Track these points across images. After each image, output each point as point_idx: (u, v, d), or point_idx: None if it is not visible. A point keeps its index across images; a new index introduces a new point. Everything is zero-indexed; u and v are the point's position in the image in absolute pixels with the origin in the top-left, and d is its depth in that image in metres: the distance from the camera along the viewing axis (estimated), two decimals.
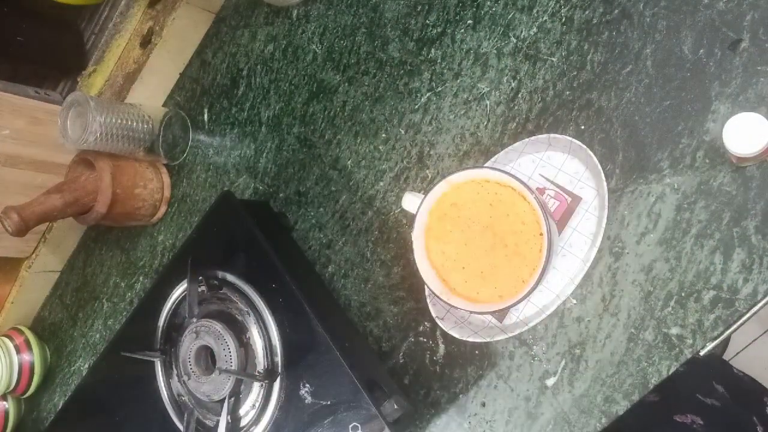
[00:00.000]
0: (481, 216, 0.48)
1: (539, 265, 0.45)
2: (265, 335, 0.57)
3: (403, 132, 0.61)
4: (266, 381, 0.55)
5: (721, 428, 0.69)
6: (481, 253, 0.48)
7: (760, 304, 0.44)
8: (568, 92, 0.53)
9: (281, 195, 0.69)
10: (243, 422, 0.57)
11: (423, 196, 0.50)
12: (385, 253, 0.60)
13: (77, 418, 0.72)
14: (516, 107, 0.55)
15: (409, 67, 0.62)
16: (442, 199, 0.49)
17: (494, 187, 0.48)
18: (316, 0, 0.69)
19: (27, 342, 0.86)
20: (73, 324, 0.87)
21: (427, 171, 0.59)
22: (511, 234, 0.47)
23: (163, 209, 0.78)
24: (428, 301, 0.54)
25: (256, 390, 0.56)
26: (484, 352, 0.54)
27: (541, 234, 0.46)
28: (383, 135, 0.63)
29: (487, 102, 0.57)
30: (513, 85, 0.56)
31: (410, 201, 0.51)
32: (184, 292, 0.62)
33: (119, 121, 0.71)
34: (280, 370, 0.56)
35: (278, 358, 0.56)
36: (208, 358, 0.60)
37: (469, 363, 0.54)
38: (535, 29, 0.55)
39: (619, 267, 0.49)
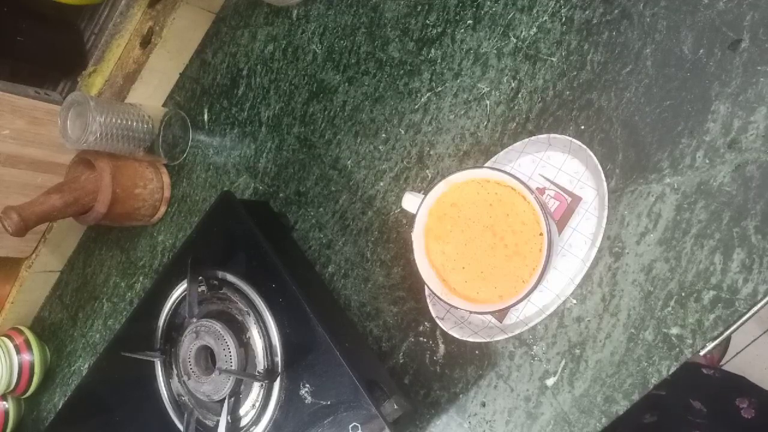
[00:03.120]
0: (481, 216, 0.48)
1: (539, 265, 0.45)
2: (265, 335, 0.57)
3: (403, 132, 0.61)
4: (266, 381, 0.55)
5: None
6: (481, 253, 0.48)
7: (760, 304, 0.44)
8: (568, 92, 0.53)
9: (281, 195, 0.69)
10: (243, 422, 0.57)
11: (423, 195, 0.50)
12: (385, 253, 0.60)
13: (77, 418, 0.72)
14: (516, 107, 0.55)
15: (409, 67, 0.62)
16: (442, 198, 0.49)
17: (494, 187, 0.48)
18: (316, 0, 0.69)
19: (27, 342, 0.86)
20: (73, 324, 0.87)
21: (427, 171, 0.59)
22: (511, 234, 0.47)
23: (163, 209, 0.78)
24: (428, 301, 0.54)
25: (256, 390, 0.56)
26: (484, 352, 0.54)
27: (541, 234, 0.46)
28: (383, 135, 0.63)
29: (487, 102, 0.57)
30: (513, 85, 0.56)
31: (410, 201, 0.51)
32: (184, 292, 0.62)
33: (119, 121, 0.71)
34: (280, 370, 0.56)
35: (278, 358, 0.56)
36: (208, 358, 0.60)
37: (469, 363, 0.54)
38: (535, 29, 0.55)
39: (619, 267, 0.49)
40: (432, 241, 0.49)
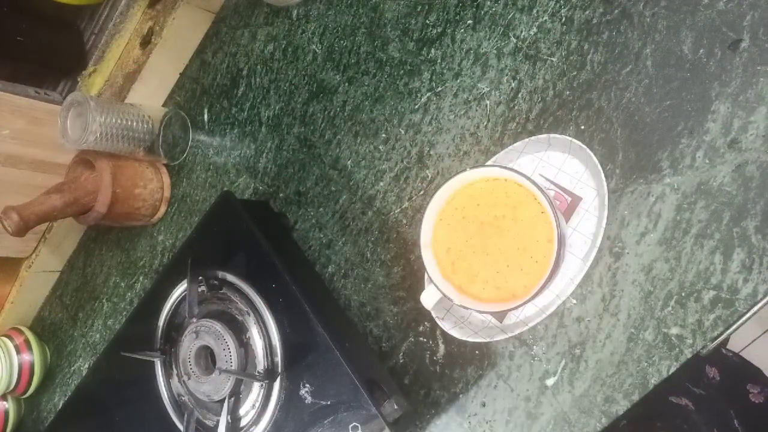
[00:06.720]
0: (490, 216, 0.48)
1: (548, 266, 0.45)
2: (265, 335, 0.57)
3: (403, 132, 0.61)
4: (266, 381, 0.55)
5: (706, 418, 0.70)
6: (488, 252, 0.48)
7: (760, 304, 0.44)
8: (568, 92, 0.53)
9: (281, 195, 0.69)
10: (243, 422, 0.57)
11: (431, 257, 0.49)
12: (385, 253, 0.60)
13: (77, 418, 0.72)
14: (516, 107, 0.55)
15: (409, 67, 0.62)
16: (452, 199, 0.49)
17: (505, 187, 0.48)
18: (316, 0, 0.69)
19: (27, 342, 0.86)
20: (73, 324, 0.87)
21: (427, 171, 0.59)
22: (521, 236, 0.47)
23: (163, 209, 0.78)
24: None
25: (256, 390, 0.56)
26: (484, 352, 0.54)
27: (551, 241, 0.46)
28: (383, 135, 0.63)
29: (487, 102, 0.57)
30: (513, 85, 0.56)
31: (430, 293, 0.50)
32: (184, 292, 0.62)
33: (119, 121, 0.71)
34: (280, 370, 0.56)
35: (278, 358, 0.56)
36: (208, 358, 0.60)
37: (469, 363, 0.54)
38: (535, 29, 0.55)
39: (619, 267, 0.49)
40: (439, 241, 0.50)
